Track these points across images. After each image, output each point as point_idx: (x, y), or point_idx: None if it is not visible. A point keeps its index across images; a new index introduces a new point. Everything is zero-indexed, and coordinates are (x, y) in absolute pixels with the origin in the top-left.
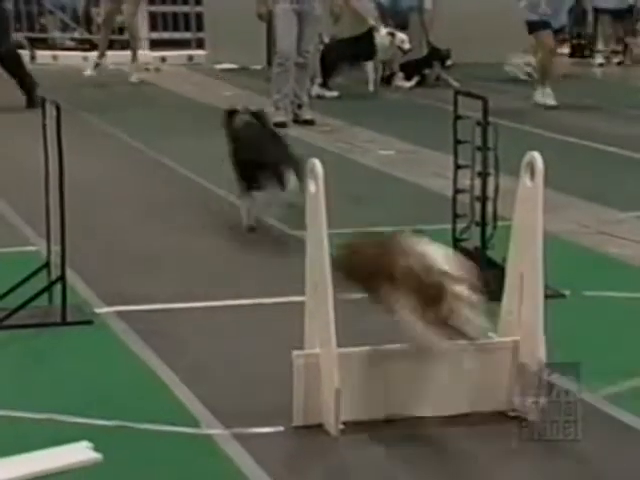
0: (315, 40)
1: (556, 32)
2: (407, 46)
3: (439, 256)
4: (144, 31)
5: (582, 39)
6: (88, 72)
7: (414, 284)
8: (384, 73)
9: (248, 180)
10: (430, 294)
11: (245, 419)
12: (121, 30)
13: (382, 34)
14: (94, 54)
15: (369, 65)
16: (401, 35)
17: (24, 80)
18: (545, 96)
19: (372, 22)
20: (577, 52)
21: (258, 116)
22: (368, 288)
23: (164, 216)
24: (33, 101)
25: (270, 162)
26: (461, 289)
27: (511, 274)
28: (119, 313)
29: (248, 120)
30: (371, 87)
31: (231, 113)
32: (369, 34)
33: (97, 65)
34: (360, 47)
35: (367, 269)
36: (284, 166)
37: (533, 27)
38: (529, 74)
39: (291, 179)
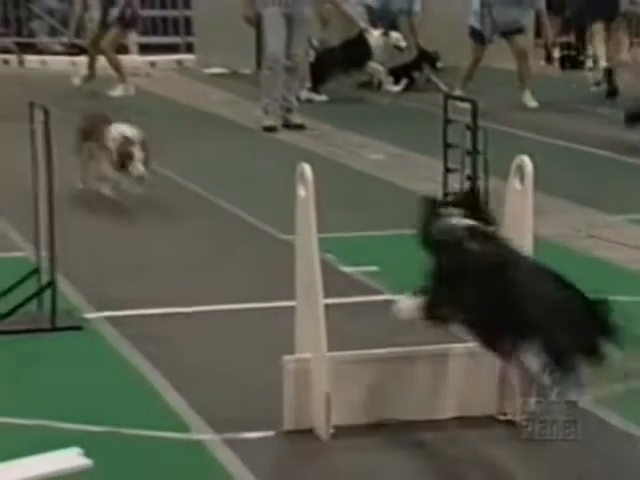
0: (304, 44)
1: (511, 33)
2: (403, 44)
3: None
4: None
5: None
6: (77, 82)
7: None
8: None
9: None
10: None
11: (236, 424)
12: None
13: (375, 35)
14: (83, 59)
15: (370, 65)
16: (395, 34)
17: None
18: (526, 98)
19: (362, 25)
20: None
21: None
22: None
23: (155, 221)
24: None
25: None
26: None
27: None
28: (109, 319)
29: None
30: (382, 78)
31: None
32: (361, 38)
33: (89, 78)
34: (354, 52)
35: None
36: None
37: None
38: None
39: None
